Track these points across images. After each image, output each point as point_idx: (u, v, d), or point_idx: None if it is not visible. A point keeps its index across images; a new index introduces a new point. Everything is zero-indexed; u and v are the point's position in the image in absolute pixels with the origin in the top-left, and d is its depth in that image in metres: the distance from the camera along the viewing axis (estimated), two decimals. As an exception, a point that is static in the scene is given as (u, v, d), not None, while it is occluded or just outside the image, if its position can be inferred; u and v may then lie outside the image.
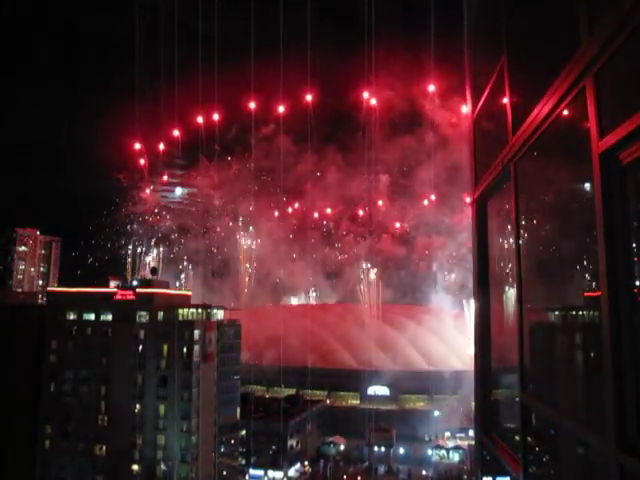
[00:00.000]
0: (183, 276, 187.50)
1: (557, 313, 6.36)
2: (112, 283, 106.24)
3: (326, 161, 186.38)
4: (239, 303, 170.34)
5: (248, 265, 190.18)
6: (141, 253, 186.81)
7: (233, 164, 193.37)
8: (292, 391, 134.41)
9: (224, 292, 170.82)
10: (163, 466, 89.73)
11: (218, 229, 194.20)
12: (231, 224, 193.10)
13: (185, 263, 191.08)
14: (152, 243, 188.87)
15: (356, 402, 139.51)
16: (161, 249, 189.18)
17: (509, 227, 7.14)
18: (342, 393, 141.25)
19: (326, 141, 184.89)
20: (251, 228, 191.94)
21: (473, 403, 9.75)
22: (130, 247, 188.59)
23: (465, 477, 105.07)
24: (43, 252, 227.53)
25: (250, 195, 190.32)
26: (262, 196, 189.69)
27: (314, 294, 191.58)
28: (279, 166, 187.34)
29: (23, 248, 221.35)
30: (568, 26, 4.92)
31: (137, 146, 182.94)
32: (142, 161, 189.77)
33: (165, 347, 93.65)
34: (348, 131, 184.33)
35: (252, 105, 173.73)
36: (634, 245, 4.13)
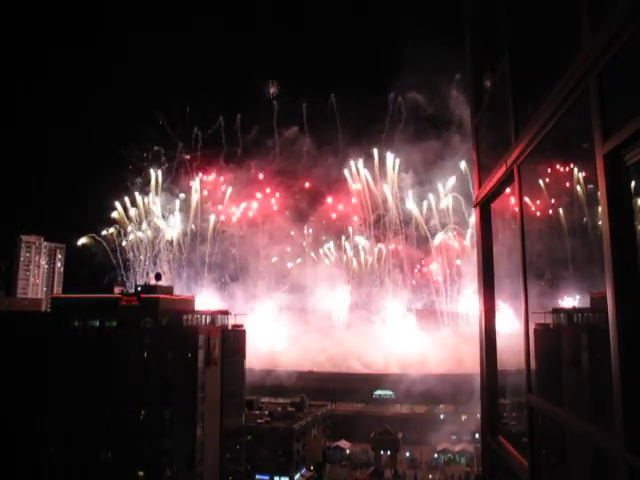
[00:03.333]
0: (198, 281, 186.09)
1: (563, 314, 6.34)
2: (116, 289, 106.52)
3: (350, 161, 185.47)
4: (253, 308, 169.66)
5: (262, 270, 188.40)
6: (147, 258, 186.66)
7: (252, 166, 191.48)
8: (297, 395, 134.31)
9: (239, 297, 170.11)
10: (171, 467, 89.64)
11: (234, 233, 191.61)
12: (246, 228, 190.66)
13: (200, 268, 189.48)
14: (160, 248, 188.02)
15: (361, 406, 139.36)
16: (171, 254, 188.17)
17: (513, 229, 7.12)
18: (347, 397, 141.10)
19: (350, 143, 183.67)
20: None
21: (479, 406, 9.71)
22: (136, 252, 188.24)
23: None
24: (48, 259, 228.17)
25: (269, 198, 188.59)
26: (282, 199, 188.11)
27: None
28: (301, 168, 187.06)
29: (28, 255, 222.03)
30: (571, 27, 4.92)
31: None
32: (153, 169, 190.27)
33: (169, 352, 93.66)
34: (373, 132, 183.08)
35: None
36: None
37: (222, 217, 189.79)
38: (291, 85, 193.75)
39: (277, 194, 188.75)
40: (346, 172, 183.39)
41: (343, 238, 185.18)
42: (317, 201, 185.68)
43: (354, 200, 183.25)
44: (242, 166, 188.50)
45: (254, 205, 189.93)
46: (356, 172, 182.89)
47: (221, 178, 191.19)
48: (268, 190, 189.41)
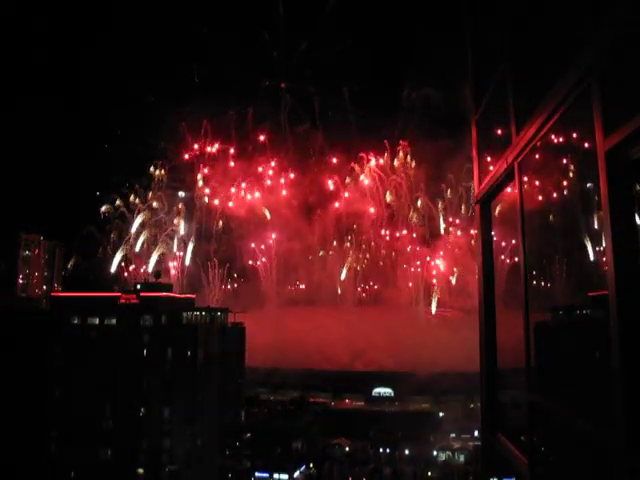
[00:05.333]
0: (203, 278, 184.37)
1: (563, 312, 6.34)
2: (116, 287, 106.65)
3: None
4: (259, 305, 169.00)
5: (267, 269, 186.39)
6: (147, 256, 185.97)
7: (262, 160, 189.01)
8: (297, 393, 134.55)
9: (246, 293, 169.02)
10: (171, 465, 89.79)
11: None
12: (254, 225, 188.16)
13: (205, 264, 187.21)
14: (163, 245, 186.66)
15: (361, 404, 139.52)
16: (175, 251, 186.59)
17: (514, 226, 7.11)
18: (347, 395, 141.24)
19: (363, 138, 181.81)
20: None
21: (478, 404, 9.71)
22: (138, 249, 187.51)
23: (471, 478, 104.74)
24: (47, 257, 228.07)
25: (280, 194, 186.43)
26: (291, 194, 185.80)
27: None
28: (312, 163, 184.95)
29: (27, 253, 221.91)
30: (572, 26, 4.91)
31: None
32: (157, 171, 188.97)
33: (169, 350, 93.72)
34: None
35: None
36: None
37: (231, 204, 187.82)
38: (303, 79, 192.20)
39: (284, 191, 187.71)
40: (357, 168, 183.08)
41: (351, 236, 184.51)
42: (328, 197, 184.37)
43: (372, 203, 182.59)
44: (252, 161, 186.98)
45: (262, 199, 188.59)
46: (367, 168, 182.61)
47: (230, 172, 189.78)
48: (282, 183, 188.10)
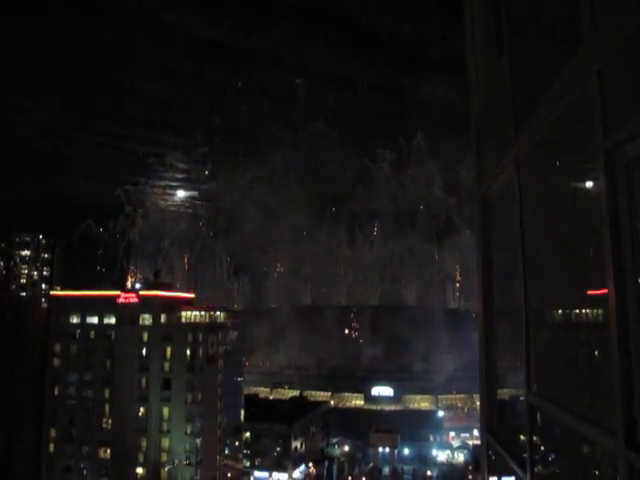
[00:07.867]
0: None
1: (562, 311, 6.33)
2: (116, 286, 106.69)
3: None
4: (263, 304, 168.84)
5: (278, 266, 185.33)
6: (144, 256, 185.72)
7: (274, 159, 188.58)
8: (296, 392, 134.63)
9: (252, 293, 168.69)
10: (170, 464, 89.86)
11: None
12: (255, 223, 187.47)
13: (211, 264, 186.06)
14: (167, 243, 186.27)
15: (360, 403, 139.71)
16: (180, 250, 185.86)
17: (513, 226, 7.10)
18: (346, 394, 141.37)
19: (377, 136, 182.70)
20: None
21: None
22: (139, 248, 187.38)
23: (470, 477, 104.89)
24: (46, 256, 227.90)
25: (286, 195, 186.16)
26: (303, 193, 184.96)
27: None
28: (324, 162, 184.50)
29: (26, 252, 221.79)
30: (571, 22, 4.88)
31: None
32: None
33: (169, 350, 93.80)
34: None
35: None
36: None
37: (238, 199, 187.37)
38: (317, 78, 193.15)
39: (296, 188, 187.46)
40: (371, 166, 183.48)
41: (359, 234, 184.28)
42: (342, 195, 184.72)
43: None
44: (263, 159, 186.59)
45: (273, 199, 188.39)
46: (381, 165, 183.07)
47: (239, 171, 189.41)
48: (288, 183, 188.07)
